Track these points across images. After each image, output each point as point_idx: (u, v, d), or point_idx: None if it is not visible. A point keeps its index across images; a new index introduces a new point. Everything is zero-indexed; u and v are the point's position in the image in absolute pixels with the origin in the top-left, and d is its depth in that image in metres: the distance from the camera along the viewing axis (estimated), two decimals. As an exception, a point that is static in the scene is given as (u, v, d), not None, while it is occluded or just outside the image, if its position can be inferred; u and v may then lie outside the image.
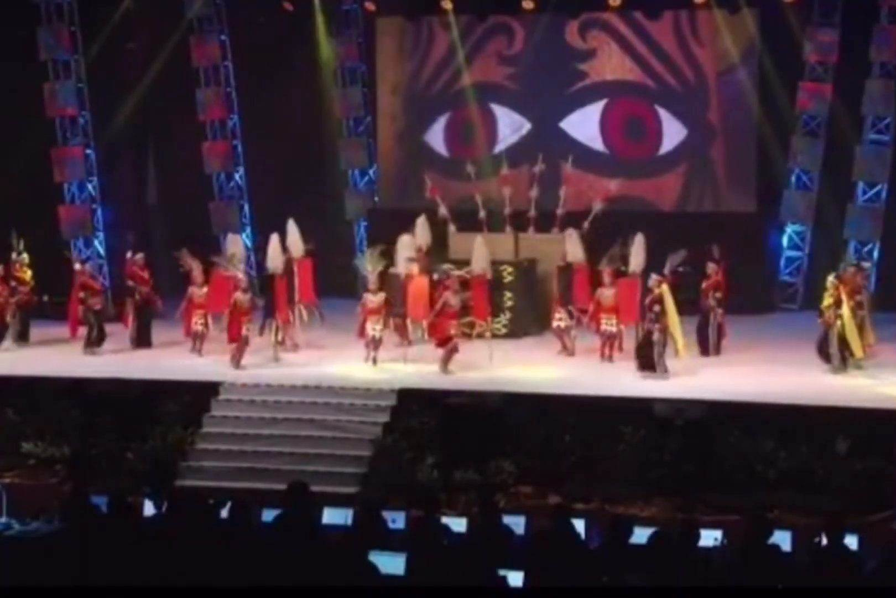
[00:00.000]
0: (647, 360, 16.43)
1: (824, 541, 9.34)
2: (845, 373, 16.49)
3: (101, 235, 22.07)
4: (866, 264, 18.94)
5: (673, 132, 21.10)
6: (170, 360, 17.89)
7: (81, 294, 18.36)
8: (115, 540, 8.96)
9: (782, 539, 10.14)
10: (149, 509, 11.51)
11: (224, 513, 9.68)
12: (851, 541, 9.97)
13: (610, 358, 17.44)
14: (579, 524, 10.71)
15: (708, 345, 17.88)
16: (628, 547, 9.30)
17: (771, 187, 22.12)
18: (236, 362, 17.10)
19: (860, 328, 16.95)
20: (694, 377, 16.51)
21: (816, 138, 21.87)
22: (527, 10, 21.49)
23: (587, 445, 14.87)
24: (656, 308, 16.49)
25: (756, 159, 21.97)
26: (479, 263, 17.86)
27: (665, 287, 16.62)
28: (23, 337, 18.98)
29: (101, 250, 22.01)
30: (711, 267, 17.89)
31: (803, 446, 14.40)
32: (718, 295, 17.87)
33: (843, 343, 16.54)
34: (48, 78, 21.68)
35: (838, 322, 16.52)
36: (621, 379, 16.42)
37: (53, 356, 18.21)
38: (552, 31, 21.01)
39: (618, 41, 21.09)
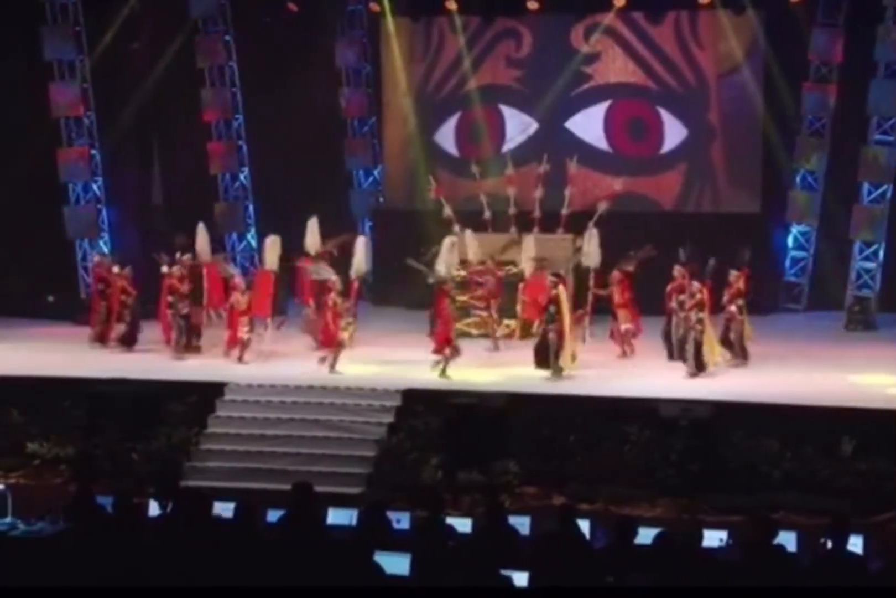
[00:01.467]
0: (543, 359, 16.48)
1: (829, 542, 9.33)
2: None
3: (106, 235, 22.08)
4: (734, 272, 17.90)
5: (674, 132, 21.48)
6: (175, 360, 17.89)
7: (170, 298, 18.08)
8: (120, 541, 8.97)
9: (787, 540, 10.11)
10: (154, 509, 11.50)
11: (229, 513, 9.68)
12: (856, 542, 9.95)
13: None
14: (584, 525, 10.69)
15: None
16: (633, 548, 9.30)
17: (776, 188, 22.12)
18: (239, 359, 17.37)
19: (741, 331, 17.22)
20: (699, 378, 16.50)
21: (821, 139, 21.86)
22: (532, 11, 21.70)
23: (592, 445, 14.86)
24: (552, 309, 16.50)
25: (761, 160, 21.99)
26: (444, 266, 17.58)
27: (561, 288, 16.60)
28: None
29: (106, 250, 21.99)
30: (734, 274, 17.32)
31: (808, 447, 14.40)
32: (740, 302, 17.37)
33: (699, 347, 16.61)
34: (53, 78, 21.69)
35: (698, 327, 16.55)
36: (626, 379, 16.42)
37: (58, 356, 18.21)
38: (558, 35, 21.46)
39: (621, 45, 21.49)
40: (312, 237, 19.07)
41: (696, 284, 16.69)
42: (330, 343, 16.98)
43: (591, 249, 18.78)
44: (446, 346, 16.64)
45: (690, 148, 21.69)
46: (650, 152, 21.68)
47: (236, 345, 17.59)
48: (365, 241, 18.74)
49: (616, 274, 17.79)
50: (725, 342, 17.29)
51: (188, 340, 18.09)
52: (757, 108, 21.67)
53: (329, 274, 17.57)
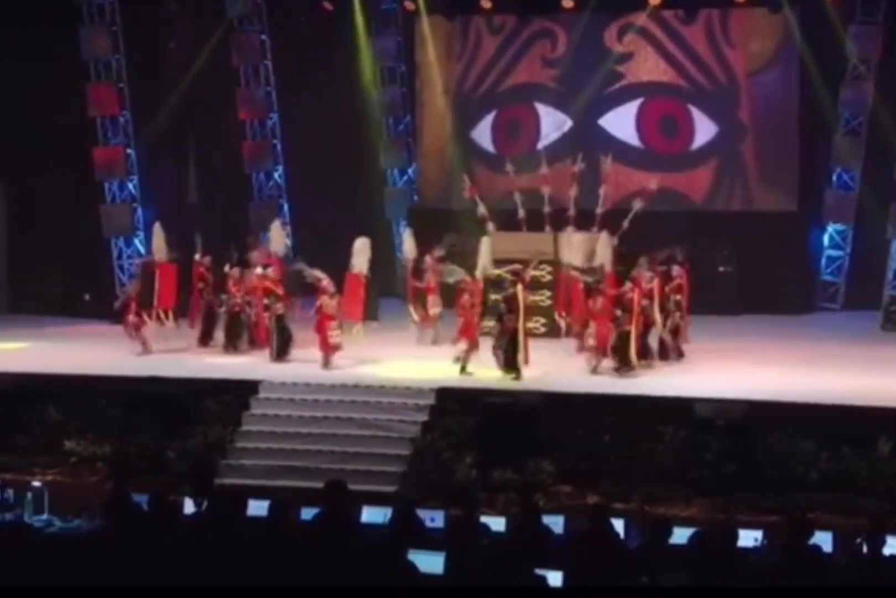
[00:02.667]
0: (509, 357, 16.50)
1: (866, 543, 9.28)
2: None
3: (141, 234, 22.17)
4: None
5: (704, 129, 21.88)
6: (210, 358, 17.96)
7: (266, 300, 18.02)
8: (156, 538, 9.00)
9: (823, 541, 10.07)
10: (189, 507, 11.54)
11: (263, 511, 9.70)
12: (893, 543, 9.89)
13: None
14: (618, 524, 10.67)
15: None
16: (668, 548, 9.27)
17: (812, 186, 22.03)
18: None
19: (675, 331, 17.37)
20: (734, 377, 16.44)
21: (858, 137, 21.75)
22: (566, 10, 21.90)
23: (627, 445, 14.82)
24: (503, 306, 16.54)
25: (798, 159, 21.92)
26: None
27: (520, 287, 16.51)
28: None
29: (142, 249, 22.09)
30: (676, 270, 17.63)
31: (845, 447, 14.31)
32: (678, 298, 17.58)
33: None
34: (90, 77, 21.80)
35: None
36: (662, 379, 16.37)
37: (95, 355, 18.31)
38: (592, 35, 21.90)
39: (653, 44, 21.88)
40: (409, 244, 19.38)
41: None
42: (472, 340, 16.72)
43: (603, 250, 18.79)
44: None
45: (720, 145, 21.93)
46: (681, 149, 22.00)
47: (329, 350, 17.13)
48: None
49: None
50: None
51: (285, 343, 17.76)
52: (793, 106, 21.61)
53: (462, 275, 17.46)
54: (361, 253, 18.19)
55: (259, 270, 18.25)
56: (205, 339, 18.78)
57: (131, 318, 18.05)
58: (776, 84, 21.72)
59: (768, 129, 21.84)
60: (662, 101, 21.92)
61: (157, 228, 19.05)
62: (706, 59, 21.77)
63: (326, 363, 17.09)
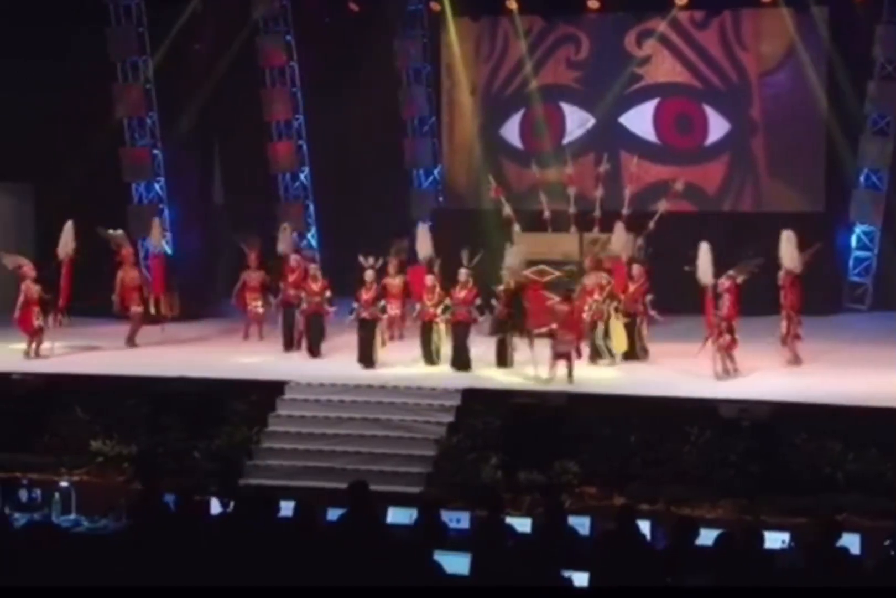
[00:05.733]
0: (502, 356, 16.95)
1: (894, 545, 9.25)
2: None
3: (168, 235, 22.23)
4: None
5: (717, 126, 23.09)
6: (236, 358, 18.02)
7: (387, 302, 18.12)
8: (183, 538, 9.03)
9: (851, 542, 10.04)
10: (215, 507, 11.58)
11: (289, 512, 9.73)
12: (921, 545, 9.87)
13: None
14: (645, 526, 10.66)
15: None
16: (694, 549, 9.26)
17: (839, 187, 21.97)
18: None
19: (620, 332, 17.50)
20: (760, 378, 16.40)
21: (885, 137, 21.68)
22: (591, 9, 22.79)
23: (652, 445, 14.79)
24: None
25: (824, 158, 21.92)
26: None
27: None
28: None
29: (168, 250, 22.16)
30: (637, 269, 17.78)
31: (872, 448, 14.25)
32: (650, 298, 17.73)
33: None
34: (116, 79, 21.88)
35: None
36: (687, 380, 16.33)
37: (122, 355, 18.38)
38: (613, 40, 23.20)
39: (669, 48, 23.18)
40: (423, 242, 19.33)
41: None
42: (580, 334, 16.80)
43: (619, 238, 18.87)
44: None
45: (732, 141, 23.04)
46: (695, 145, 23.19)
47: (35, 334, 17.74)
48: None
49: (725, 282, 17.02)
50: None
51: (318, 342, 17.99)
52: (813, 106, 21.65)
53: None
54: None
55: (369, 275, 17.85)
56: (291, 344, 18.61)
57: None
58: (788, 84, 22.53)
59: (781, 127, 22.57)
60: (678, 100, 23.17)
61: (68, 226, 18.95)
62: (719, 61, 22.92)
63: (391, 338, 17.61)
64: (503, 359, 17.21)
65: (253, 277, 19.62)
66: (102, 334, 19.40)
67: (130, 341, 19.00)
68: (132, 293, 19.12)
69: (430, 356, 17.37)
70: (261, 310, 19.55)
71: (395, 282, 18.75)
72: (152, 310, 19.52)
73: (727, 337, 16.46)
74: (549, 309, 16.96)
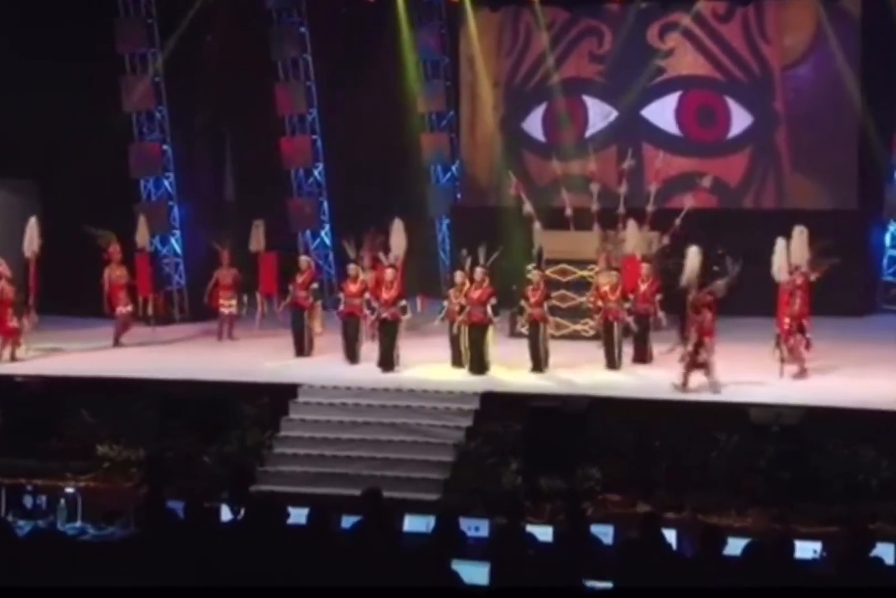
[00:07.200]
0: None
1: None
2: None
3: (177, 232, 22.25)
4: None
5: (740, 119, 23.33)
6: (247, 360, 18.02)
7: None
8: (192, 546, 9.02)
9: (885, 552, 9.98)
10: (226, 514, 11.58)
11: (302, 519, 9.72)
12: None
13: None
14: (670, 535, 10.63)
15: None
16: (721, 559, 9.21)
17: (873, 183, 21.90)
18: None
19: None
20: (792, 382, 16.34)
21: (921, 132, 21.59)
22: (615, 2, 23.25)
23: (679, 451, 14.77)
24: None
25: (856, 154, 21.89)
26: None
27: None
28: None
29: (178, 248, 22.19)
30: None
31: (907, 455, 14.21)
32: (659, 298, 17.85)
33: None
34: (125, 71, 21.89)
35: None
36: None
37: (129, 357, 18.41)
38: (636, 33, 23.44)
39: (692, 41, 23.45)
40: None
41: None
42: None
43: (633, 238, 18.90)
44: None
45: (755, 133, 23.27)
46: (717, 137, 23.42)
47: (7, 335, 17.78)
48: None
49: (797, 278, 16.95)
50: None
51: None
52: (849, 97, 21.65)
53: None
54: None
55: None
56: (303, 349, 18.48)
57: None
58: (812, 76, 22.75)
59: (806, 120, 22.72)
60: (700, 93, 23.48)
61: (32, 222, 18.92)
62: (742, 54, 23.14)
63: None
64: (537, 363, 17.08)
65: (225, 275, 19.74)
66: (92, 336, 19.39)
67: (117, 343, 19.02)
68: (119, 292, 19.15)
69: (458, 359, 17.27)
70: (234, 310, 19.67)
71: (368, 277, 18.51)
72: (141, 311, 19.57)
73: (798, 337, 16.41)
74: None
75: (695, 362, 15.89)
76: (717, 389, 15.81)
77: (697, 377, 15.95)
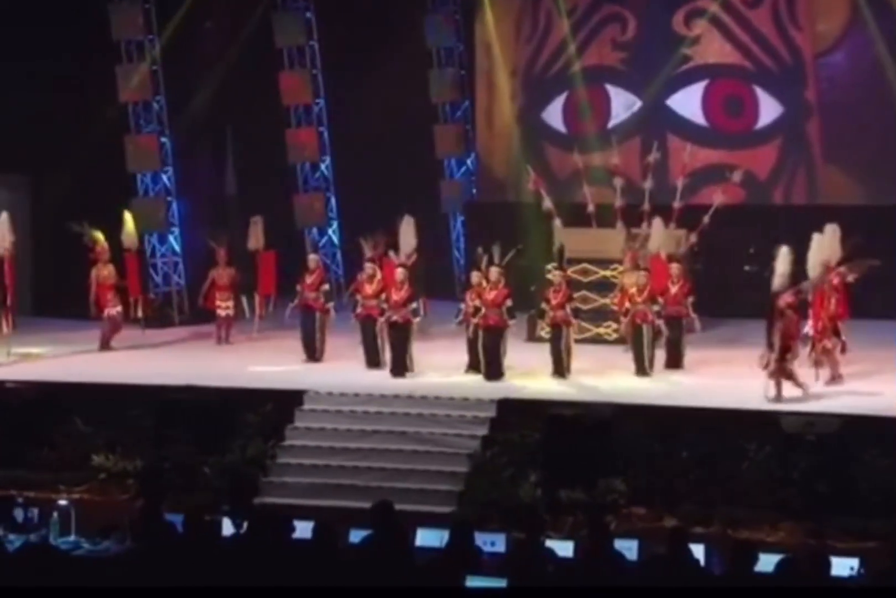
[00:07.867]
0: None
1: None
2: None
3: (176, 230, 22.28)
4: None
5: (769, 109, 23.32)
6: (250, 366, 18.05)
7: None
8: (191, 562, 9.05)
9: (926, 569, 9.97)
10: (227, 528, 11.60)
11: (307, 533, 9.73)
12: None
13: None
14: (698, 550, 10.64)
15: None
16: (752, 576, 9.22)
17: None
18: None
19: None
20: (827, 389, 16.32)
21: (965, 122, 21.54)
22: None
23: (707, 462, 14.77)
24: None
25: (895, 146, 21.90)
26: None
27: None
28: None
29: (177, 246, 22.22)
30: (677, 268, 17.98)
31: (950, 466, 14.20)
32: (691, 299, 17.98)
33: None
34: (121, 60, 21.91)
35: None
36: (745, 390, 16.25)
37: (125, 361, 18.45)
38: (661, 20, 23.46)
39: (719, 28, 23.43)
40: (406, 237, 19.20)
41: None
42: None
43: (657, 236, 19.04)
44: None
45: (785, 124, 23.28)
46: (745, 128, 23.44)
47: None
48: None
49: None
50: None
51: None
52: (889, 86, 21.70)
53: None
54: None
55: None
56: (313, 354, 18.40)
57: None
58: (846, 64, 22.75)
59: (840, 110, 22.71)
60: (728, 81, 23.52)
61: (4, 218, 18.88)
62: (772, 41, 23.12)
63: None
64: (559, 368, 17.10)
65: (222, 274, 19.76)
66: (83, 339, 19.45)
67: (105, 345, 19.07)
68: (107, 293, 19.18)
69: (475, 364, 17.29)
70: (231, 311, 19.69)
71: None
72: (132, 313, 19.63)
73: (833, 340, 16.40)
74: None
75: (783, 370, 15.84)
76: (806, 391, 15.86)
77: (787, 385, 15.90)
